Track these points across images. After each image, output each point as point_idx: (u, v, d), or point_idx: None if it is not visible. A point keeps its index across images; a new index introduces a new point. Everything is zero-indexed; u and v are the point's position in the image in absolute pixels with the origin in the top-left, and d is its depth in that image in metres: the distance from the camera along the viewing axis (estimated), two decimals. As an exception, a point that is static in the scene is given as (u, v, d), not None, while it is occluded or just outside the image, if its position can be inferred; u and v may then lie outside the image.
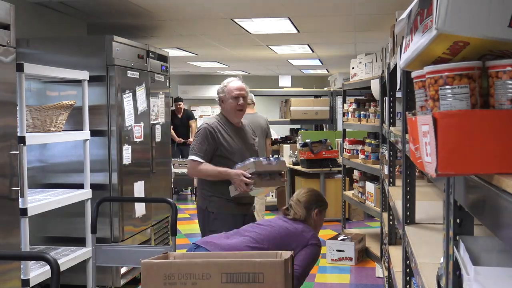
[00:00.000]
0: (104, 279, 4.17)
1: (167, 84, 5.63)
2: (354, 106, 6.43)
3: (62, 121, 3.88)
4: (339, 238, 5.79)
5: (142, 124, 4.91)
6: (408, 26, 1.35)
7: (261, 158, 3.60)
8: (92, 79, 4.26)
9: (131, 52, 4.78)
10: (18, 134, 3.24)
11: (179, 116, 10.71)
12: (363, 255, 5.82)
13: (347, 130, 7.01)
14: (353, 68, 6.71)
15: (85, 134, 4.10)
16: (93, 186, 4.16)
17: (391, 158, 4.15)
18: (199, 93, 14.35)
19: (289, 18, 6.02)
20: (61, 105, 3.83)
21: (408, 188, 2.79)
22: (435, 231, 2.58)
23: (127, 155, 4.62)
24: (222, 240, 2.90)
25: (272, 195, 9.37)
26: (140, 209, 4.88)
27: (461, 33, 1.07)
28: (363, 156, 5.97)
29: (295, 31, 6.83)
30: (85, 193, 4.06)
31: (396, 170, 4.16)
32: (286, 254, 2.41)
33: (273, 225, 3.05)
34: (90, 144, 4.17)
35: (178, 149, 10.45)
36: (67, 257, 3.83)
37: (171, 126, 9.62)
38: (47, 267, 3.55)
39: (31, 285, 3.34)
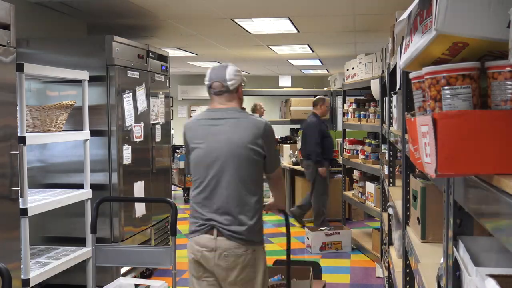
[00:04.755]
0: (104, 279, 4.17)
1: (167, 84, 5.64)
2: (354, 106, 6.43)
3: (62, 121, 3.88)
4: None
5: (142, 124, 4.91)
6: (408, 27, 1.35)
7: None
8: (92, 79, 4.26)
9: (131, 52, 4.78)
10: (18, 134, 3.24)
11: None
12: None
13: (347, 130, 7.01)
14: (347, 70, 6.71)
15: (85, 134, 4.10)
16: (93, 186, 4.16)
17: (391, 158, 4.15)
18: (199, 93, 14.35)
19: (289, 18, 6.02)
20: (61, 105, 3.83)
21: (408, 188, 2.79)
22: (435, 231, 2.58)
23: (127, 155, 4.62)
24: None
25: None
26: (140, 209, 4.88)
27: (461, 34, 1.07)
28: (363, 156, 5.98)
29: (295, 31, 6.83)
30: (85, 193, 4.06)
31: (396, 170, 4.16)
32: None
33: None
34: (90, 144, 4.17)
35: None
36: (67, 257, 3.83)
37: None
38: (47, 267, 3.56)
39: (31, 285, 3.34)
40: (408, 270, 2.76)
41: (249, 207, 2.79)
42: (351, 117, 6.49)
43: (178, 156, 10.11)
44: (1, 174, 2.99)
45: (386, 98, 4.50)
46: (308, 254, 6.06)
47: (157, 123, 5.31)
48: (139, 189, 4.87)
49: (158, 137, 5.32)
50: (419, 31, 1.23)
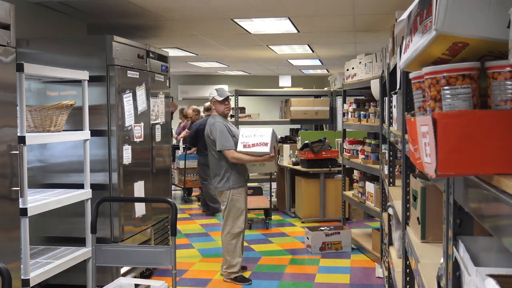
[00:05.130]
0: (104, 279, 4.17)
1: (167, 84, 5.64)
2: (354, 106, 6.43)
3: (62, 121, 3.88)
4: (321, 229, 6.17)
5: (142, 124, 4.91)
6: (408, 27, 1.35)
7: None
8: (92, 79, 4.26)
9: (131, 52, 4.78)
10: (18, 134, 3.24)
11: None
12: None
13: (347, 130, 7.01)
14: (347, 70, 6.71)
15: (85, 134, 4.10)
16: (93, 186, 4.16)
17: (391, 158, 4.15)
18: (199, 93, 14.35)
19: (289, 18, 6.02)
20: (61, 105, 3.83)
21: (408, 188, 2.79)
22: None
23: (127, 155, 4.62)
24: None
25: (272, 195, 9.37)
26: (140, 209, 4.88)
27: (461, 34, 1.07)
28: (363, 156, 5.98)
29: (295, 31, 6.83)
30: (85, 193, 4.06)
31: (396, 170, 4.16)
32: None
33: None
34: (90, 144, 4.17)
35: None
36: (67, 257, 3.83)
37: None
38: (47, 267, 3.56)
39: (31, 285, 3.35)
40: (408, 270, 2.76)
41: None
42: (351, 117, 6.49)
43: (178, 156, 10.11)
44: (1, 174, 2.99)
45: (386, 98, 4.50)
46: (308, 254, 6.06)
47: (157, 123, 5.31)
48: (139, 189, 4.87)
49: (158, 137, 5.32)
50: (419, 31, 1.23)
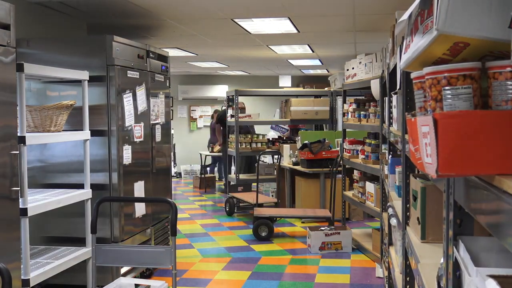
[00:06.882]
0: (104, 279, 4.17)
1: (167, 84, 5.64)
2: (354, 106, 6.43)
3: (62, 121, 3.88)
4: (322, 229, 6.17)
5: (142, 124, 4.91)
6: (408, 27, 1.35)
7: None
8: (92, 79, 4.26)
9: (131, 52, 4.78)
10: (18, 134, 3.24)
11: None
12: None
13: (347, 130, 7.01)
14: (347, 70, 6.71)
15: (85, 134, 4.10)
16: (93, 186, 4.16)
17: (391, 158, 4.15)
18: (199, 93, 14.34)
19: (289, 18, 6.02)
20: (61, 105, 3.83)
21: (408, 188, 2.79)
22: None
23: (127, 155, 4.62)
24: None
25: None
26: (140, 209, 4.88)
27: (462, 34, 1.07)
28: (363, 156, 5.98)
29: (295, 31, 6.83)
30: (85, 193, 4.06)
31: (396, 170, 4.15)
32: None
33: None
34: (90, 144, 4.17)
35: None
36: (67, 257, 3.83)
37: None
38: (48, 267, 3.56)
39: (31, 285, 3.34)
40: (408, 270, 2.76)
41: None
42: (351, 117, 6.49)
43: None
44: (1, 174, 2.99)
45: (386, 98, 4.50)
46: (308, 254, 6.06)
47: (157, 123, 5.31)
48: (139, 189, 4.87)
49: (158, 137, 5.32)
50: (419, 31, 1.23)
